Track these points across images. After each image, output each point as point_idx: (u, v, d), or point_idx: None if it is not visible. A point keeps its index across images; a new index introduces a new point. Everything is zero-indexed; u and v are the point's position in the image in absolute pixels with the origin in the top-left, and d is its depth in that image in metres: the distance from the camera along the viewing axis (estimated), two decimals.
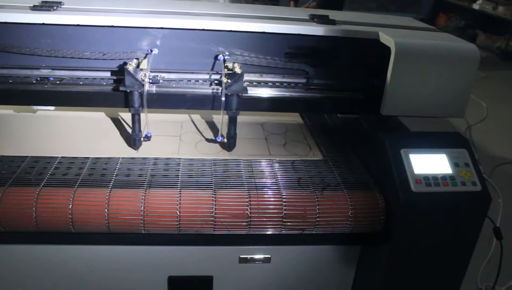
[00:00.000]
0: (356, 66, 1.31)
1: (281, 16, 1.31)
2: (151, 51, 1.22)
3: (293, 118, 1.56)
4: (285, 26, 1.22)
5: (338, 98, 1.28)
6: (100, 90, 1.20)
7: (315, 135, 1.45)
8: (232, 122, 1.25)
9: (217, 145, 1.33)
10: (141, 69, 1.19)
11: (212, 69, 1.28)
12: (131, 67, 1.14)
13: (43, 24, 1.15)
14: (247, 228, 1.09)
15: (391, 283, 1.17)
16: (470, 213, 1.11)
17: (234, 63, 1.23)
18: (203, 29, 1.21)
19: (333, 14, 1.35)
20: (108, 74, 1.24)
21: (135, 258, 1.17)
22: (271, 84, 1.28)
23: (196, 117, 1.50)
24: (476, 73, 1.16)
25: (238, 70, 1.18)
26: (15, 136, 1.31)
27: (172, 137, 1.36)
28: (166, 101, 1.21)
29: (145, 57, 1.21)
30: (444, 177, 1.10)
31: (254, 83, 1.27)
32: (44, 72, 1.23)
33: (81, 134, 1.34)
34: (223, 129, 1.30)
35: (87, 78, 1.23)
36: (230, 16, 1.26)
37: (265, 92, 1.25)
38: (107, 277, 1.19)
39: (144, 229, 1.07)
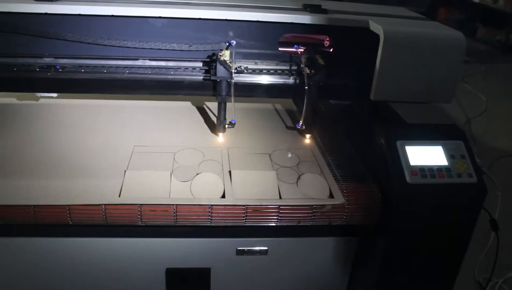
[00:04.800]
0: (347, 53, 1.33)
1: (275, 6, 1.34)
2: (230, 43, 1.25)
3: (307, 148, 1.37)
4: (279, 15, 1.25)
5: (330, 85, 1.30)
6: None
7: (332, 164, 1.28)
8: (312, 110, 1.31)
9: (219, 181, 1.15)
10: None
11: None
12: (222, 57, 1.21)
13: (46, 13, 1.18)
14: (244, 220, 1.10)
15: (387, 274, 1.17)
16: (466, 204, 1.11)
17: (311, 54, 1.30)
18: (200, 18, 1.23)
19: (326, 4, 1.38)
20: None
21: (133, 251, 1.18)
22: (265, 71, 1.31)
23: (191, 143, 1.33)
24: (462, 59, 1.19)
25: (320, 61, 1.25)
26: None
27: (163, 172, 1.16)
28: (245, 89, 1.29)
29: (227, 48, 1.25)
30: (439, 169, 1.10)
31: (249, 70, 1.30)
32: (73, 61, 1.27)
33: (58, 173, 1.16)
34: (299, 117, 1.36)
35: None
36: (227, 6, 1.29)
37: (259, 79, 1.29)
38: (105, 270, 1.20)
39: (141, 222, 1.08)
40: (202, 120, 1.48)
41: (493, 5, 5.37)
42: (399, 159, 1.10)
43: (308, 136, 1.39)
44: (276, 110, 1.60)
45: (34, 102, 1.51)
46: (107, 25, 1.24)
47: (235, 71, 1.25)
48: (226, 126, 1.33)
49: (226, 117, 1.33)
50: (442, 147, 1.14)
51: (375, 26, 1.19)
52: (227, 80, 1.23)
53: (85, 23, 1.23)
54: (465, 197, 1.11)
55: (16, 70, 1.24)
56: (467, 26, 5.51)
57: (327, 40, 1.33)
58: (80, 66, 1.26)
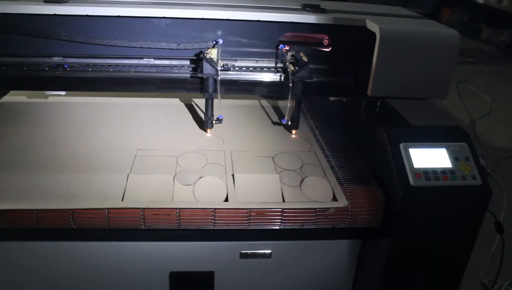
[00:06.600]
0: (346, 51, 1.37)
1: (276, 6, 1.38)
2: (217, 42, 1.32)
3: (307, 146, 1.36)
4: (279, 14, 1.29)
5: (329, 82, 1.35)
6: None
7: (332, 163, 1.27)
8: (297, 106, 1.37)
9: (222, 185, 1.14)
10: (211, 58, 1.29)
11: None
12: (208, 55, 1.27)
13: (55, 15, 1.23)
14: (247, 223, 1.10)
15: (391, 277, 1.17)
16: (470, 207, 1.10)
17: (296, 52, 1.34)
18: (203, 18, 1.28)
19: (324, 4, 1.41)
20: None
21: (136, 254, 1.18)
22: (266, 69, 1.34)
23: (194, 146, 1.31)
24: (456, 56, 1.22)
25: (304, 58, 1.30)
26: None
27: (166, 176, 1.15)
28: (235, 86, 1.35)
29: (213, 47, 1.31)
30: (443, 171, 1.10)
31: (250, 68, 1.34)
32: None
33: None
34: (285, 113, 1.42)
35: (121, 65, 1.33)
36: (227, 6, 1.33)
37: (260, 77, 1.33)
38: (108, 273, 1.20)
39: (145, 225, 1.08)
40: (201, 118, 1.48)
41: (498, 5, 5.35)
42: (402, 161, 1.10)
43: (294, 131, 1.42)
44: (274, 107, 1.61)
45: (43, 100, 1.55)
46: (108, 25, 1.29)
47: (221, 68, 1.29)
48: (214, 122, 1.38)
49: (226, 115, 1.39)
50: (446, 149, 1.13)
51: (372, 25, 1.22)
52: (213, 77, 1.28)
53: (91, 23, 1.28)
54: (470, 199, 1.10)
55: (26, 69, 1.29)
56: (471, 27, 5.49)
57: (326, 39, 1.35)
58: (87, 65, 1.32)
